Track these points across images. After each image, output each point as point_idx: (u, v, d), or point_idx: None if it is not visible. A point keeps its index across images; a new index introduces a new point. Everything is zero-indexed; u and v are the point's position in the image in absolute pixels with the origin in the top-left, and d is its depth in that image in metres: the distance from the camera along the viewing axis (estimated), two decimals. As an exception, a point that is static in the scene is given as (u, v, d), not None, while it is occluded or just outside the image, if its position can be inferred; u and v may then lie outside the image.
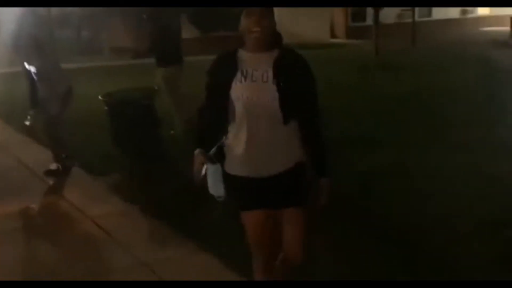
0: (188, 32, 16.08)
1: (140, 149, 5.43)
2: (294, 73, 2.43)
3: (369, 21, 19.61)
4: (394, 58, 13.54)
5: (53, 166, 5.63)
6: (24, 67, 5.29)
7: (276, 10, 2.49)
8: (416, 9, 20.14)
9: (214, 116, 2.55)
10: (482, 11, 28.76)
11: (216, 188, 2.60)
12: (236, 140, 2.47)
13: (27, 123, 5.55)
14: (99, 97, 5.66)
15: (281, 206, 2.57)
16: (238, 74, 2.40)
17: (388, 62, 12.65)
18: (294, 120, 2.47)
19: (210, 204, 3.12)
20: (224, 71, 2.45)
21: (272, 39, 2.42)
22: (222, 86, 2.43)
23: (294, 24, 18.37)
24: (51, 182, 5.53)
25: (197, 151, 2.56)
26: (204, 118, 2.62)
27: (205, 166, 2.54)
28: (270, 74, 2.39)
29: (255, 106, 2.39)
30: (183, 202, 4.57)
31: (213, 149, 2.56)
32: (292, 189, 2.54)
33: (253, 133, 2.42)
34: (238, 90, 2.39)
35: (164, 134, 5.83)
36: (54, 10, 14.57)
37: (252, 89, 2.39)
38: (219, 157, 2.55)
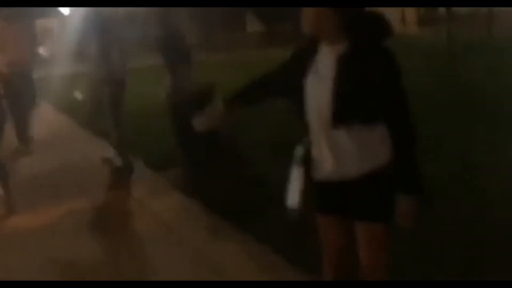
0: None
1: (203, 146, 5.41)
2: (364, 69, 2.09)
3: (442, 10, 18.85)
4: (466, 48, 12.85)
5: (111, 155, 5.86)
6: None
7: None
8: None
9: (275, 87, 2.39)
10: None
11: (293, 198, 2.32)
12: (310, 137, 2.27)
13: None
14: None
15: (354, 217, 2.25)
16: (311, 68, 2.21)
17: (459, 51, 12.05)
18: (374, 121, 2.13)
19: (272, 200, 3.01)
20: (302, 61, 2.25)
21: (336, 32, 2.12)
22: (296, 77, 2.23)
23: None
24: (113, 177, 5.71)
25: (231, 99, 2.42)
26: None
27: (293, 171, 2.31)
28: (333, 70, 2.13)
29: (316, 104, 2.17)
30: (244, 198, 4.51)
31: (300, 150, 2.32)
32: (369, 200, 2.20)
33: (317, 132, 2.20)
34: (307, 85, 2.20)
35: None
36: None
37: (314, 85, 2.19)
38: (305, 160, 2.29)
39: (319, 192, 2.32)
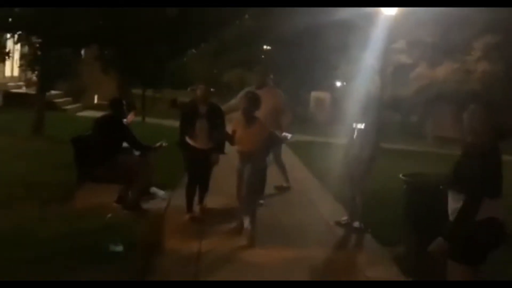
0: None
1: (429, 228, 5.59)
2: None
3: None
4: None
5: (345, 220, 6.59)
6: None
7: None
8: None
9: None
10: None
11: None
12: None
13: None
14: (400, 175, 6.17)
15: None
16: None
17: None
18: None
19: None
20: None
21: None
22: None
23: None
24: (341, 236, 6.37)
25: None
26: None
27: None
28: None
29: None
30: None
31: None
32: None
33: None
34: None
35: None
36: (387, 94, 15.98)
37: None
38: None
39: None
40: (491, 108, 3.82)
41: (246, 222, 5.87)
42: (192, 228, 6.19)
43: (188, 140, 6.43)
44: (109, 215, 6.12)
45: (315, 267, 5.36)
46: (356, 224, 6.47)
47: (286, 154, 9.77)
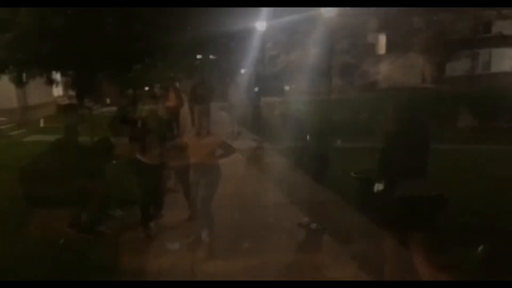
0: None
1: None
2: None
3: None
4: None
5: (306, 221, 6.72)
6: None
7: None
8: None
9: None
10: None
11: None
12: None
13: None
14: (352, 173, 6.35)
15: None
16: None
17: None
18: None
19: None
20: None
21: None
22: None
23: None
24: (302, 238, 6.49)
25: None
26: None
27: None
28: None
29: None
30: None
31: None
32: None
33: None
34: None
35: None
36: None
37: None
38: None
39: None
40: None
41: (204, 234, 5.84)
42: (150, 245, 6.10)
43: (138, 156, 6.35)
44: (62, 241, 5.97)
45: (278, 271, 5.37)
46: (314, 225, 6.54)
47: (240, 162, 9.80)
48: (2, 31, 9.66)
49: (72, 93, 16.64)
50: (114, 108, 19.41)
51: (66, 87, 16.24)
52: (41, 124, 20.43)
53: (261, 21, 18.65)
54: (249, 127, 12.59)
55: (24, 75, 14.91)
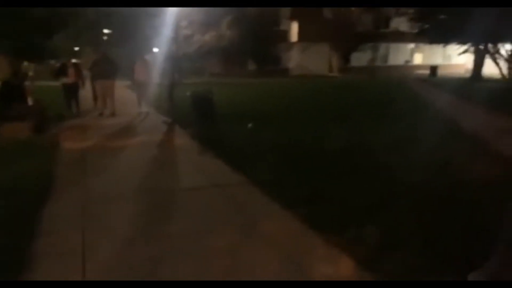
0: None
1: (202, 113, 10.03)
2: None
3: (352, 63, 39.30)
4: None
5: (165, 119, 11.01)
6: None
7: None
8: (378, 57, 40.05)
9: None
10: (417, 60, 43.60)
11: None
12: None
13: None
14: (187, 93, 9.13)
15: None
16: None
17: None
18: None
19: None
20: None
21: None
22: None
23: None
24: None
25: None
26: None
27: None
28: None
29: None
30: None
31: None
32: None
33: None
34: None
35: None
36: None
37: None
38: None
39: None
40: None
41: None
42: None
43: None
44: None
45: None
46: (165, 119, 10.95)
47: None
48: None
49: None
50: None
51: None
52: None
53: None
54: (160, 108, 12.99)
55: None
